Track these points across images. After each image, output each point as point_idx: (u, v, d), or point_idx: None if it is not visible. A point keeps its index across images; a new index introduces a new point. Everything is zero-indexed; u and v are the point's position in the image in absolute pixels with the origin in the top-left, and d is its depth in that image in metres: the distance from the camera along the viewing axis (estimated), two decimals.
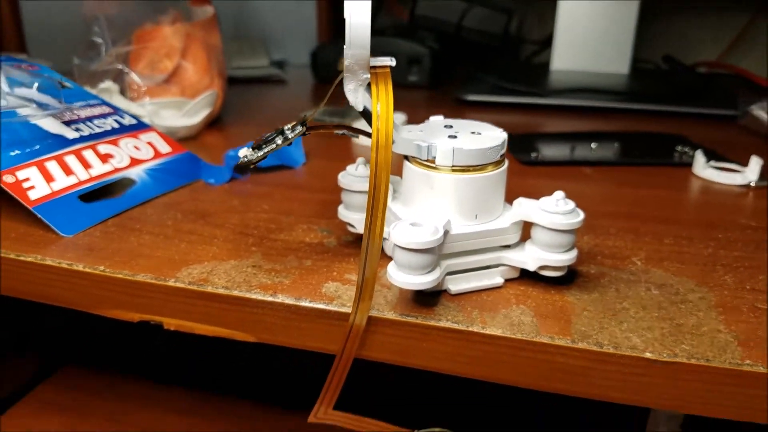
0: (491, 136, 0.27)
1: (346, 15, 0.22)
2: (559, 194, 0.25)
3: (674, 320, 0.25)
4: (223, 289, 0.27)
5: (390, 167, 0.23)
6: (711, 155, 0.44)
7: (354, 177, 0.29)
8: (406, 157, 0.27)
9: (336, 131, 0.26)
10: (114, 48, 0.45)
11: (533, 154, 0.45)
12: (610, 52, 0.73)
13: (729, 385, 0.23)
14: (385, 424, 0.28)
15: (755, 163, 0.41)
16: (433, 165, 0.26)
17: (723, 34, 0.80)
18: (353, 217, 0.30)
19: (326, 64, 0.73)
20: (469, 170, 0.25)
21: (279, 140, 0.25)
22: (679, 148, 0.47)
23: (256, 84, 0.72)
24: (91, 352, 0.55)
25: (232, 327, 0.27)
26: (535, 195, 0.27)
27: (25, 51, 0.77)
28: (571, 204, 0.25)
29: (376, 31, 0.89)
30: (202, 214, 0.34)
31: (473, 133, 0.27)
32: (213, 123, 0.52)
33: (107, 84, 0.45)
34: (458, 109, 0.59)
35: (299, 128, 0.25)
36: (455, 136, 0.26)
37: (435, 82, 0.72)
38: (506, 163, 0.27)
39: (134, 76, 0.45)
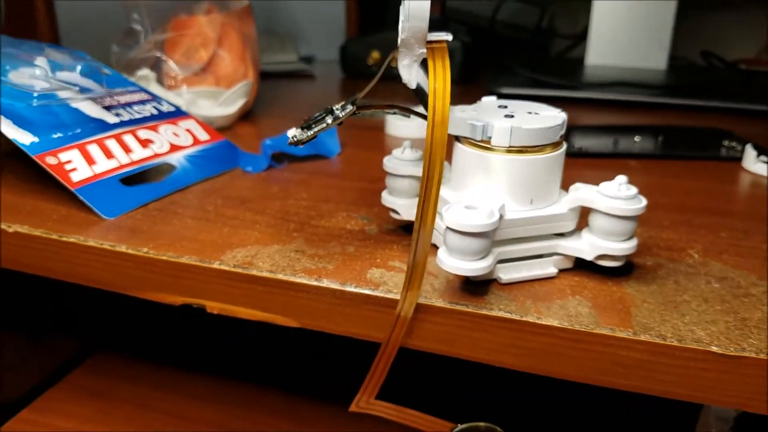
0: (550, 116, 0.26)
1: None
2: (621, 178, 0.24)
3: (738, 314, 0.24)
4: (267, 272, 0.26)
5: (446, 146, 0.22)
6: (760, 150, 0.43)
7: (400, 161, 0.28)
8: (457, 139, 0.26)
9: (387, 111, 0.26)
10: (153, 35, 0.45)
11: (576, 146, 0.44)
12: (646, 48, 0.71)
13: None
14: (427, 416, 0.27)
15: None
16: (488, 146, 0.25)
17: (761, 31, 0.78)
18: (398, 202, 0.29)
19: (355, 59, 0.73)
20: (526, 151, 0.24)
21: (329, 119, 0.24)
22: (725, 142, 0.46)
23: (285, 79, 0.72)
24: (124, 338, 0.55)
25: (275, 311, 0.27)
26: None
27: (58, 39, 0.78)
28: (633, 189, 0.24)
29: None
30: (242, 200, 0.34)
31: (530, 113, 0.26)
32: (246, 115, 0.52)
33: (145, 72, 0.45)
34: None
35: (350, 107, 0.24)
36: (512, 116, 0.25)
37: (467, 76, 0.71)
38: (564, 145, 0.26)
39: (172, 65, 0.45)
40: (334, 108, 0.25)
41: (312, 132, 0.24)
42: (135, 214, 0.31)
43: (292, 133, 0.25)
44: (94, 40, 0.76)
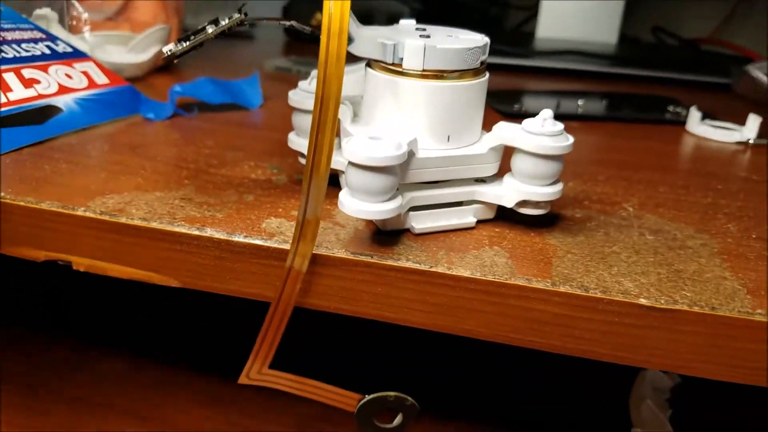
0: (470, 39, 0.23)
1: None
2: (546, 113, 0.21)
3: (672, 266, 0.21)
4: (140, 220, 0.22)
5: (344, 63, 0.19)
6: (705, 115, 0.41)
7: (307, 93, 0.25)
8: (369, 65, 0.23)
9: (281, 23, 0.22)
10: None
11: (516, 106, 0.41)
12: (598, 22, 0.69)
13: (737, 339, 0.19)
14: (331, 388, 0.24)
15: (753, 121, 0.38)
16: (400, 69, 0.22)
17: (714, 12, 0.77)
18: (306, 144, 0.25)
19: (299, 19, 0.69)
20: (443, 76, 0.21)
21: (210, 29, 0.21)
22: (671, 108, 0.44)
23: (221, 39, 0.67)
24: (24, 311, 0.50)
25: (151, 268, 0.23)
26: None
27: None
28: (560, 125, 0.21)
29: None
30: (133, 146, 0.30)
31: (449, 36, 0.23)
32: (165, 68, 0.47)
33: (44, 11, 0.40)
34: None
35: (236, 15, 0.21)
36: (428, 37, 0.22)
37: None
38: (487, 74, 0.23)
39: (76, 4, 0.40)
40: (218, 18, 0.21)
41: (189, 43, 0.21)
42: (3, 158, 0.27)
43: (168, 47, 0.21)
44: None
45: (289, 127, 0.34)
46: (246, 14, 0.21)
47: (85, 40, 0.39)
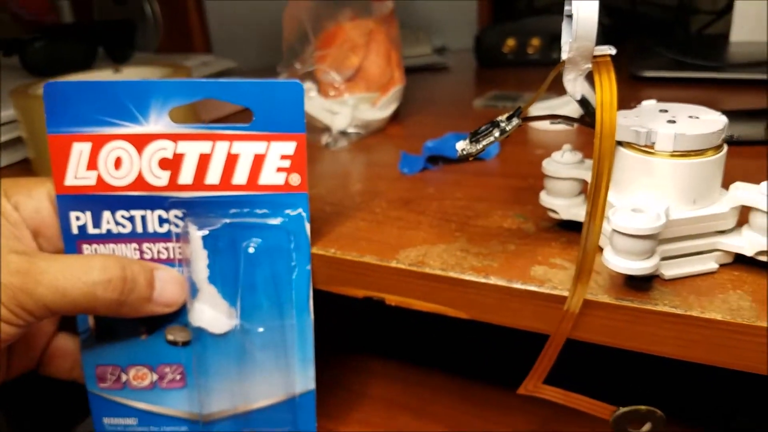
0: (711, 120, 0.27)
1: (573, 9, 0.23)
2: None
3: None
4: (439, 270, 0.30)
5: (614, 156, 0.24)
6: None
7: (560, 164, 0.30)
8: (619, 143, 0.28)
9: (552, 122, 0.28)
10: (309, 51, 0.50)
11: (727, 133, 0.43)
12: None
13: None
14: (590, 400, 0.30)
15: None
16: (652, 150, 0.26)
17: None
18: (557, 203, 0.31)
19: (491, 48, 0.74)
20: (689, 155, 0.26)
21: (496, 133, 0.27)
22: None
23: (421, 73, 0.75)
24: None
25: (447, 304, 0.31)
26: (733, 176, 0.28)
27: (210, 51, 0.86)
28: None
29: (542, 9, 0.89)
30: (404, 202, 0.38)
31: (691, 117, 0.27)
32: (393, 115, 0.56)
33: (308, 85, 0.50)
34: (633, 85, 0.58)
35: (516, 120, 0.27)
36: (674, 121, 0.27)
37: None
38: (725, 147, 0.27)
39: (334, 75, 0.49)
40: (499, 121, 0.28)
41: (481, 146, 0.27)
42: (315, 219, 0.36)
43: (461, 146, 0.28)
44: (244, 48, 0.83)
45: (517, 174, 0.41)
46: (523, 118, 0.27)
47: (345, 103, 0.49)
